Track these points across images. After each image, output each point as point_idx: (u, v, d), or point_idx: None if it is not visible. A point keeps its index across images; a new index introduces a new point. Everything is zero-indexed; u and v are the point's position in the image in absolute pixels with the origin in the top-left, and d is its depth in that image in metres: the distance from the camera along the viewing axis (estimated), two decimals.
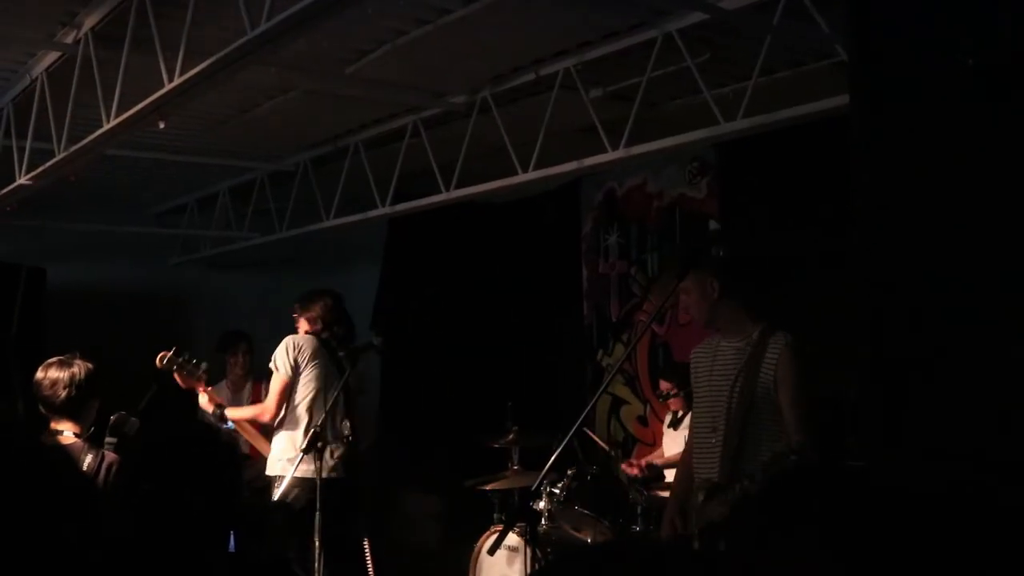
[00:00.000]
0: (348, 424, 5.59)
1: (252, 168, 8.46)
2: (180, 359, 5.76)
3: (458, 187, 6.89)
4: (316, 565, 5.04)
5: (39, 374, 4.08)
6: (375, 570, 5.97)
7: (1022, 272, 2.23)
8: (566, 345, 8.73)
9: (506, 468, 6.36)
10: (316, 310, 5.92)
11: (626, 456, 7.74)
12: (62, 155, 5.82)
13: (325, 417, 5.41)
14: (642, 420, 8.13)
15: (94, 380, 4.09)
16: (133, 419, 4.20)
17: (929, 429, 2.37)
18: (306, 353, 5.75)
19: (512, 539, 5.96)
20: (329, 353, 5.83)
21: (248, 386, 7.50)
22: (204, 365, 5.89)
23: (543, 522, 6.00)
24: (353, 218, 7.87)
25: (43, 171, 6.09)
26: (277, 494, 5.48)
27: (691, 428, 4.52)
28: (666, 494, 5.60)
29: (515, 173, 6.43)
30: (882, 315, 2.53)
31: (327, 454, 5.36)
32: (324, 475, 5.24)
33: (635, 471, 6.73)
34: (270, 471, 5.71)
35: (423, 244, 9.43)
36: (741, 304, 4.19)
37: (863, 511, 1.60)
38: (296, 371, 5.71)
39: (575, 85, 5.87)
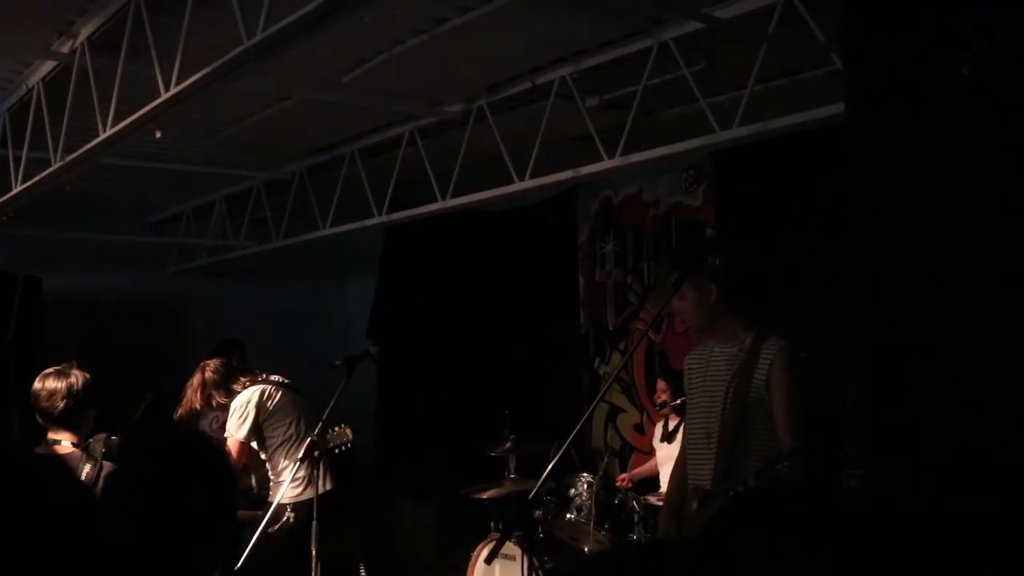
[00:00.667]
0: (348, 431, 5.59)
1: (248, 177, 8.46)
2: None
3: (454, 195, 6.89)
4: None
5: (37, 384, 4.06)
6: None
7: (1021, 272, 2.23)
8: (563, 353, 8.73)
9: (503, 476, 6.36)
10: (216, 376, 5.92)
11: (623, 465, 7.76)
12: (58, 164, 5.80)
13: (321, 426, 5.39)
14: (639, 428, 8.13)
15: (92, 390, 4.08)
16: (113, 438, 4.17)
17: (926, 432, 2.38)
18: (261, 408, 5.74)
19: (509, 548, 5.95)
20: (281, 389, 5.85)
21: None
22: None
23: (540, 530, 6.00)
24: (349, 227, 7.86)
25: (39, 180, 6.08)
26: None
27: (685, 434, 4.51)
28: (662, 502, 5.60)
29: (511, 181, 6.43)
30: (879, 318, 2.53)
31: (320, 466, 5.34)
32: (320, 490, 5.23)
33: (627, 484, 6.77)
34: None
35: (419, 252, 9.43)
36: (736, 310, 4.19)
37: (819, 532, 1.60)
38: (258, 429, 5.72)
39: (571, 93, 5.87)
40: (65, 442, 4.00)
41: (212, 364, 5.94)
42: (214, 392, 5.84)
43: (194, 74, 4.52)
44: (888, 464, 2.45)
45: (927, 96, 2.43)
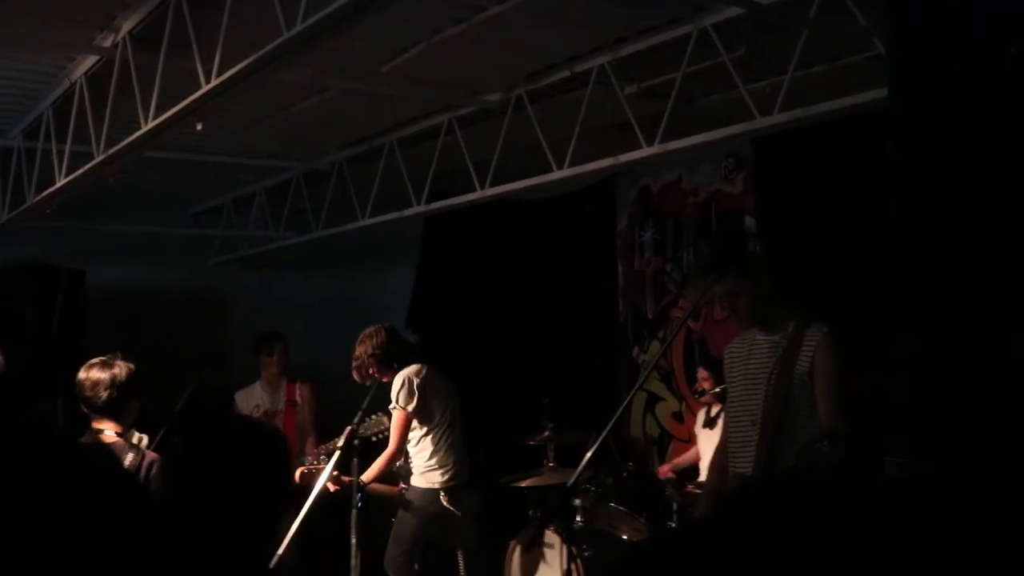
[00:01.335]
0: (385, 419, 5.65)
1: (288, 168, 8.50)
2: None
3: (493, 185, 6.88)
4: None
5: (81, 374, 4.12)
6: None
7: None
8: (602, 342, 8.70)
9: (542, 465, 6.36)
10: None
11: (661, 454, 7.74)
12: (101, 157, 5.86)
13: (360, 415, 5.46)
14: (678, 417, 8.09)
15: (135, 381, 4.13)
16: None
17: (975, 420, 2.35)
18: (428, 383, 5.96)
19: (548, 536, 5.95)
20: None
21: (283, 385, 7.53)
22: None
23: (579, 519, 5.99)
24: (388, 217, 7.88)
25: (82, 174, 6.15)
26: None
27: (726, 422, 4.49)
28: (699, 491, 5.58)
29: (550, 170, 6.41)
30: (927, 310, 2.50)
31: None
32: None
33: (669, 475, 6.75)
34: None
35: (458, 242, 9.44)
36: (782, 299, 4.17)
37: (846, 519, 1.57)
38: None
39: (610, 81, 5.84)
40: (109, 431, 4.05)
41: (376, 338, 6.00)
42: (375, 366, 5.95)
43: (234, 66, 4.55)
44: (936, 455, 2.42)
45: (972, 83, 2.39)
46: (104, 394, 4.04)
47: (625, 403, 4.46)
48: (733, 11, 5.00)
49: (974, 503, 2.21)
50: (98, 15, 5.18)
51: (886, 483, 1.71)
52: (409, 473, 6.01)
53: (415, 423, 5.87)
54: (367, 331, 6.03)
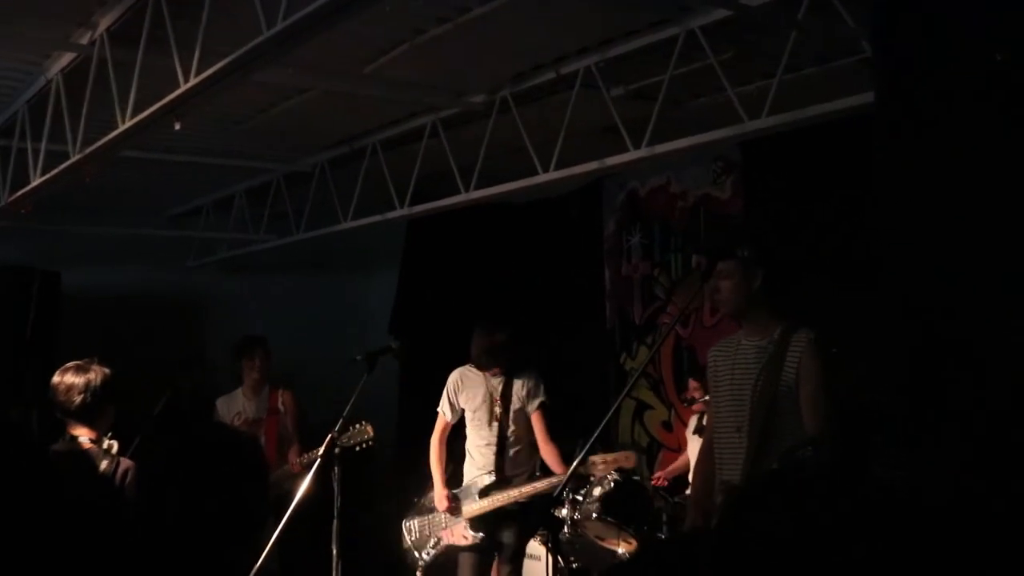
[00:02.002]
0: (369, 428, 5.56)
1: (269, 169, 8.43)
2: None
3: (477, 188, 6.84)
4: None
5: (55, 379, 4.06)
6: None
7: None
8: (588, 348, 8.63)
9: None
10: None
11: (650, 463, 7.67)
12: (77, 157, 5.80)
13: (341, 423, 5.35)
14: (667, 425, 8.03)
15: (110, 386, 4.07)
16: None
17: (963, 427, 2.33)
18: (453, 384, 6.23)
19: (533, 547, 5.88)
20: None
21: (265, 391, 7.40)
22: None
23: (565, 529, 5.92)
24: (371, 219, 7.81)
25: (58, 173, 6.07)
26: None
27: (711, 428, 4.43)
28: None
29: (535, 173, 6.37)
30: (913, 311, 2.48)
31: None
32: None
33: (663, 483, 6.69)
34: None
35: (442, 246, 9.38)
36: (767, 301, 4.11)
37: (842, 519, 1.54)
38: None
39: (596, 83, 5.80)
40: (83, 437, 3.99)
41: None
42: None
43: (213, 65, 4.51)
44: (924, 457, 2.41)
45: (959, 87, 2.39)
46: (78, 399, 3.98)
47: (612, 411, 4.40)
48: (721, 13, 4.97)
49: (960, 505, 2.19)
50: (75, 11, 5.13)
51: (871, 486, 1.68)
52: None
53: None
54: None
